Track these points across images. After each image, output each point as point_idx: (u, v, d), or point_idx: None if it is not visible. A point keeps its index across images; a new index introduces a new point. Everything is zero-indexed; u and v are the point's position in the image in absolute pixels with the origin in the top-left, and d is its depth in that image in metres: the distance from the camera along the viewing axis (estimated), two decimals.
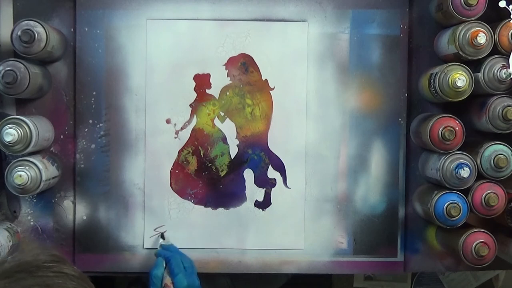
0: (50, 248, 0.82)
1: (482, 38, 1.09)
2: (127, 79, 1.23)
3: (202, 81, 1.24)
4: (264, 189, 1.25)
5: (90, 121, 1.23)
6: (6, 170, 1.11)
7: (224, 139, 1.25)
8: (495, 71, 1.11)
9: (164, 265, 1.15)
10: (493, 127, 1.13)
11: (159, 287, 1.13)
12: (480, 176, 1.15)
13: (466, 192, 1.15)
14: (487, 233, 1.15)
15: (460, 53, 1.12)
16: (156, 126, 1.24)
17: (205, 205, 1.25)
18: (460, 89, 1.11)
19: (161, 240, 1.22)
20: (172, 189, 1.24)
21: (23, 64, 1.11)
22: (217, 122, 1.25)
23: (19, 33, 1.10)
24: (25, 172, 1.10)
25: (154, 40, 1.23)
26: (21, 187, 1.10)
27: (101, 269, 1.22)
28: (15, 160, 1.12)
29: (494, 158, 1.13)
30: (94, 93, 1.23)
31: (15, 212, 1.22)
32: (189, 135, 1.24)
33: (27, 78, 1.11)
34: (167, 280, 1.13)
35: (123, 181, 1.24)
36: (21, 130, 1.09)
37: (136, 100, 1.23)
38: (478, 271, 1.53)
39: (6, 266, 0.74)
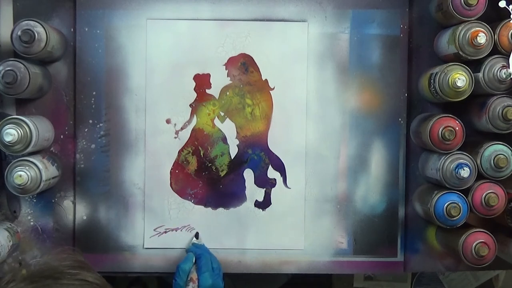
0: (75, 252, 0.83)
1: (482, 38, 1.09)
2: (127, 79, 1.23)
3: (202, 81, 1.24)
4: (264, 189, 1.25)
5: (90, 121, 1.23)
6: (6, 170, 1.11)
7: (224, 139, 1.25)
8: (495, 71, 1.11)
9: (194, 261, 1.18)
10: (493, 127, 1.13)
11: (184, 281, 1.15)
12: (480, 176, 1.15)
13: (466, 192, 1.15)
14: (487, 233, 1.15)
15: (460, 53, 1.12)
16: (156, 126, 1.24)
17: (205, 205, 1.25)
18: (460, 89, 1.11)
19: (194, 239, 1.23)
20: (172, 189, 1.24)
21: (23, 64, 1.11)
22: (217, 122, 1.25)
23: (19, 33, 1.10)
24: (25, 172, 1.10)
25: (154, 40, 1.23)
26: (21, 187, 1.10)
27: (101, 269, 1.22)
28: (15, 160, 1.12)
29: (494, 158, 1.13)
30: (94, 93, 1.23)
31: (15, 212, 1.22)
32: (189, 135, 1.24)
33: (27, 78, 1.11)
34: (193, 275, 1.16)
35: (123, 181, 1.24)
36: (21, 130, 1.09)
37: (136, 100, 1.23)
38: (478, 271, 1.53)
39: (32, 269, 0.75)
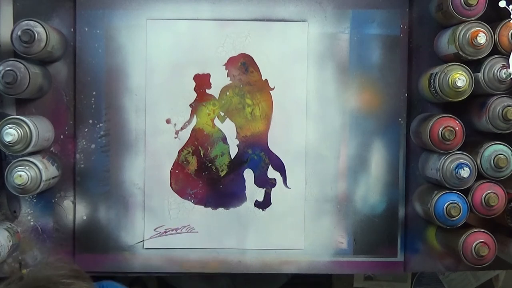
0: (72, 262, 0.83)
1: (482, 38, 1.09)
2: (127, 79, 1.23)
3: (202, 81, 1.24)
4: (264, 189, 1.25)
5: (90, 121, 1.23)
6: (6, 170, 1.11)
7: (224, 139, 1.25)
8: (495, 71, 1.11)
9: None
10: (493, 127, 1.13)
11: None
12: (480, 176, 1.15)
13: (466, 192, 1.15)
14: (487, 233, 1.15)
15: (460, 53, 1.12)
16: (156, 126, 1.24)
17: (205, 205, 1.25)
18: (460, 89, 1.11)
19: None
20: (172, 189, 1.24)
21: (23, 64, 1.11)
22: (217, 122, 1.25)
23: (19, 33, 1.10)
24: (25, 172, 1.10)
25: (154, 40, 1.23)
26: (21, 187, 1.10)
27: (101, 269, 1.22)
28: (15, 160, 1.12)
29: (494, 158, 1.13)
30: (94, 93, 1.23)
31: (15, 212, 1.22)
32: (189, 135, 1.24)
33: (27, 78, 1.11)
34: None
35: (123, 181, 1.24)
36: (21, 130, 1.09)
37: (136, 100, 1.23)
38: (478, 271, 1.53)
39: (27, 279, 0.75)
